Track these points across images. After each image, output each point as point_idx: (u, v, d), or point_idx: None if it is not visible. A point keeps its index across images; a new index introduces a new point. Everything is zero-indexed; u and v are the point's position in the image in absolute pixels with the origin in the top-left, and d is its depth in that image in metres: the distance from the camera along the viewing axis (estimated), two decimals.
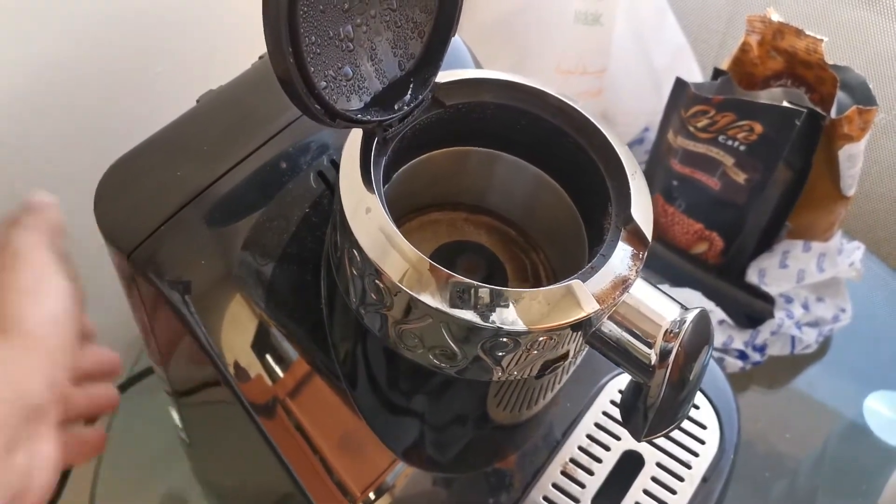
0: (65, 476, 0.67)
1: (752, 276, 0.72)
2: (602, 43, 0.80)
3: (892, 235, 0.88)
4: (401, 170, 0.44)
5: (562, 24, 0.80)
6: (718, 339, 0.70)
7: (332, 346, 0.45)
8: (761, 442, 0.69)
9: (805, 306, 0.72)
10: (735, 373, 0.71)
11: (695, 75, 0.86)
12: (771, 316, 0.70)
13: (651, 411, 0.38)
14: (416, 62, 0.40)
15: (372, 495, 0.46)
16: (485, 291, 0.35)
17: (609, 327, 0.37)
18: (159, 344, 0.48)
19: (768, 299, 0.71)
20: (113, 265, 0.44)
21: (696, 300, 0.71)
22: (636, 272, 0.37)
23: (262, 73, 0.46)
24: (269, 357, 0.44)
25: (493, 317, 0.34)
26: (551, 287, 0.36)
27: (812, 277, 0.71)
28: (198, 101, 0.45)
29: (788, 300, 0.71)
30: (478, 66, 0.55)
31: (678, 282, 0.74)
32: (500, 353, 0.36)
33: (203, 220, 0.41)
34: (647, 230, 0.39)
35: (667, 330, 0.37)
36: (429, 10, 0.39)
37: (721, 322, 0.71)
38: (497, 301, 0.35)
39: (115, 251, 0.41)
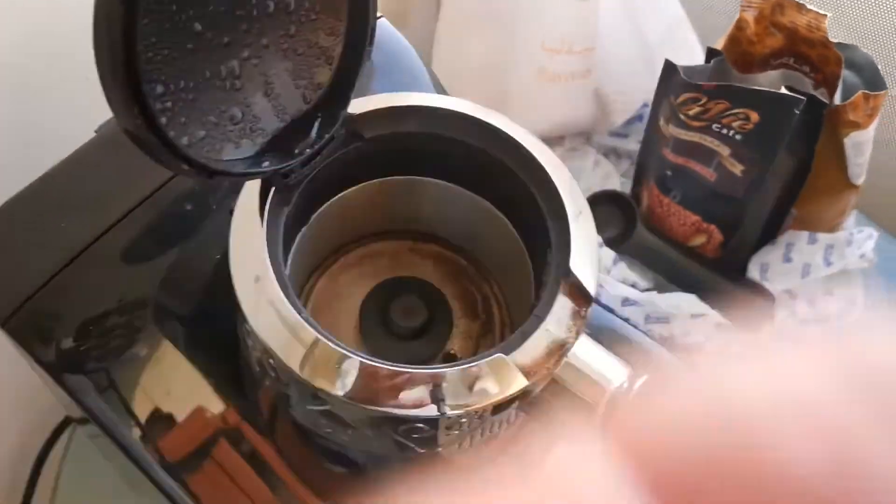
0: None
1: (753, 272, 0.67)
2: (589, 19, 0.73)
3: None
4: (327, 204, 0.39)
5: (546, 0, 0.73)
6: (716, 342, 0.65)
7: (255, 403, 0.41)
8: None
9: (811, 303, 0.66)
10: None
11: (694, 50, 0.79)
12: (771, 318, 0.65)
13: None
14: (324, 92, 0.35)
15: None
16: (391, 373, 0.30)
17: (548, 397, 0.33)
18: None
19: (770, 297, 0.65)
20: None
21: (690, 305, 0.65)
22: (576, 333, 0.33)
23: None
24: (176, 418, 0.40)
25: (404, 401, 0.30)
26: (470, 365, 0.31)
27: (819, 272, 0.65)
28: (96, 132, 0.41)
29: (793, 296, 0.66)
30: (430, 71, 0.49)
31: (673, 276, 0.69)
32: (418, 436, 0.32)
33: (92, 279, 0.37)
34: (590, 284, 0.34)
35: (612, 395, 0.32)
36: (336, 33, 0.34)
37: (718, 326, 0.66)
38: (407, 383, 0.30)
39: None
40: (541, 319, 0.32)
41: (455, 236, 0.43)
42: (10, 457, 0.67)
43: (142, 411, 0.39)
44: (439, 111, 0.37)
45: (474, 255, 0.43)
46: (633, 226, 0.72)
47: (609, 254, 0.68)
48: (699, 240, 0.69)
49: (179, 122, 0.29)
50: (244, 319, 0.31)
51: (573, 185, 0.36)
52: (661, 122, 0.66)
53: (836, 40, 0.59)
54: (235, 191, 0.40)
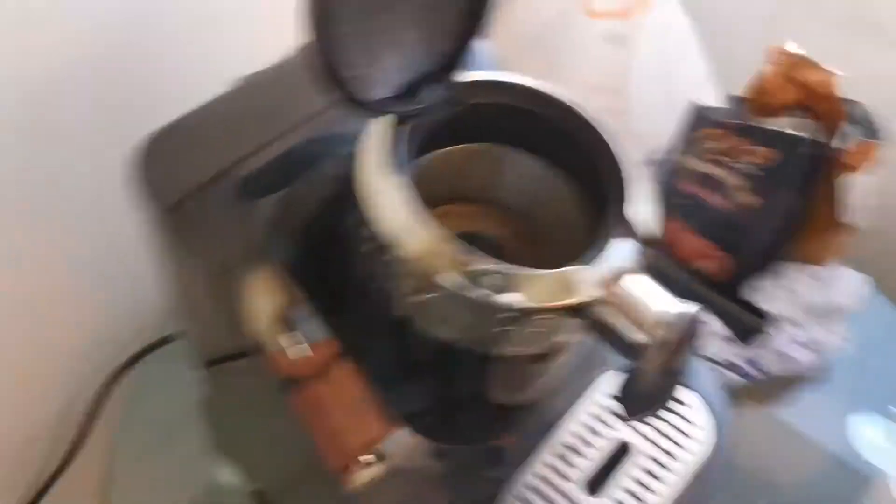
0: (77, 443, 0.70)
1: (752, 295, 0.75)
2: (627, 63, 0.83)
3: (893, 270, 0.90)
4: (418, 161, 0.47)
5: (589, 41, 0.83)
6: (716, 352, 0.73)
7: (351, 317, 0.48)
8: (752, 456, 0.71)
9: (802, 328, 0.74)
10: (728, 384, 0.74)
11: (712, 102, 0.89)
12: (764, 332, 0.73)
13: (640, 393, 0.42)
14: (444, 61, 0.44)
15: (369, 457, 0.49)
16: (495, 269, 0.38)
17: (606, 313, 0.41)
18: (188, 304, 0.52)
19: (766, 318, 0.74)
20: (149, 228, 0.48)
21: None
22: (634, 264, 0.41)
23: (299, 61, 0.50)
24: (289, 323, 0.47)
25: (502, 294, 0.38)
26: (557, 270, 0.39)
27: (807, 300, 0.73)
28: (237, 82, 0.49)
29: (785, 320, 0.74)
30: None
31: (682, 295, 0.77)
32: (505, 329, 0.40)
33: (235, 191, 0.45)
34: (647, 227, 0.42)
35: (659, 320, 0.40)
36: (462, 15, 0.43)
37: (720, 336, 0.74)
38: (505, 280, 0.38)
39: (154, 205, 0.45)
40: (607, 249, 0.41)
41: (520, 205, 0.51)
42: (70, 399, 0.73)
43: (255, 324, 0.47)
44: (527, 88, 0.46)
45: (537, 224, 0.51)
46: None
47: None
48: (707, 264, 0.77)
49: (347, 59, 0.38)
50: (374, 218, 0.39)
51: (629, 156, 0.45)
52: (682, 155, 0.75)
53: (843, 95, 0.69)
54: (349, 143, 0.49)
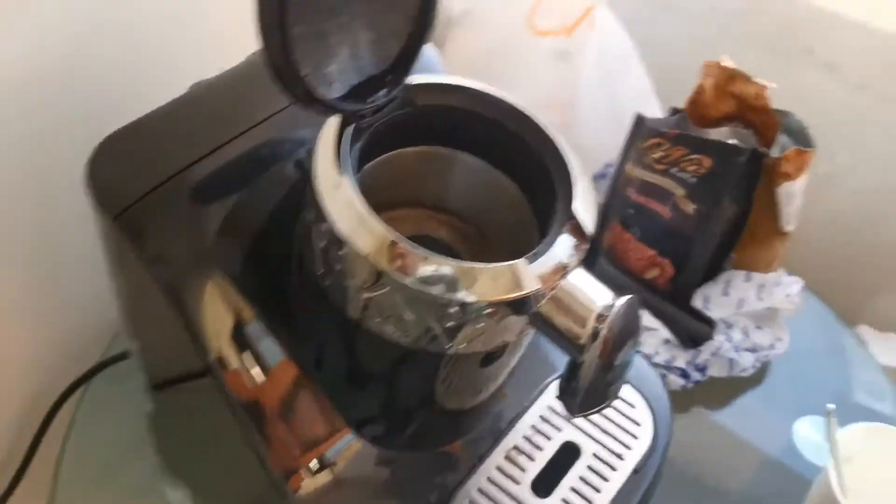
0: (22, 467, 0.68)
1: (697, 302, 0.77)
2: (572, 79, 0.86)
3: (828, 275, 0.93)
4: (370, 164, 0.48)
5: (536, 60, 0.85)
6: (663, 357, 0.75)
7: (297, 320, 0.49)
8: (694, 457, 0.73)
9: (744, 332, 0.77)
10: (676, 391, 0.75)
11: (655, 115, 0.92)
12: (711, 338, 0.75)
13: (581, 389, 0.43)
14: (391, 63, 0.45)
15: (316, 464, 0.49)
16: (440, 263, 0.39)
17: (548, 308, 0.42)
18: (135, 316, 0.52)
19: (710, 323, 0.76)
20: (99, 236, 0.48)
21: (644, 319, 0.75)
22: (576, 260, 0.42)
23: (251, 68, 0.51)
24: (237, 332, 0.47)
25: (446, 288, 0.39)
26: (499, 265, 0.40)
27: (751, 306, 0.75)
28: (190, 89, 0.50)
29: (728, 325, 0.76)
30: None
31: None
32: (450, 324, 0.40)
33: (186, 196, 0.46)
34: (588, 225, 0.43)
35: (599, 314, 0.41)
36: (408, 19, 0.44)
37: (666, 341, 0.75)
38: (449, 274, 0.39)
39: (102, 214, 0.45)
40: (550, 245, 0.42)
41: (468, 209, 0.52)
42: (16, 419, 0.71)
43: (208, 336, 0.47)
44: (476, 91, 0.47)
45: (482, 227, 0.53)
46: (592, 258, 0.82)
47: None
48: (653, 273, 0.79)
49: (297, 60, 0.39)
50: (324, 217, 0.39)
51: (576, 157, 0.46)
52: (629, 166, 0.78)
53: (776, 107, 0.72)
54: (299, 146, 0.50)
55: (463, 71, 0.89)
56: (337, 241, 0.40)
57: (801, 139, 0.72)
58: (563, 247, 0.42)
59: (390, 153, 0.49)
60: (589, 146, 0.90)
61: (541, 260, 0.41)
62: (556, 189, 0.45)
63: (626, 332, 0.43)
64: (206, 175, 0.46)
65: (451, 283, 0.39)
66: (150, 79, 0.64)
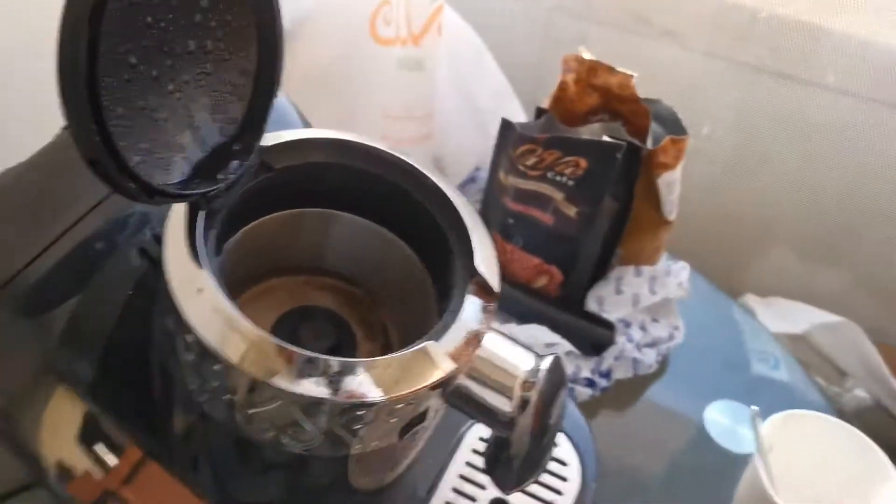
0: None
1: (591, 305, 0.74)
2: (426, 88, 0.80)
3: (713, 253, 0.93)
4: (231, 239, 0.41)
5: (384, 70, 0.79)
6: (567, 370, 0.71)
7: (171, 435, 0.41)
8: (615, 463, 0.70)
9: (642, 328, 0.74)
10: (586, 401, 0.72)
11: (518, 114, 0.88)
12: (612, 342, 0.72)
13: (516, 462, 0.38)
14: (238, 126, 0.38)
15: None
16: (334, 364, 0.33)
17: (466, 384, 0.37)
18: None
19: (609, 326, 0.73)
20: None
21: (544, 335, 0.72)
22: (487, 325, 0.37)
23: (66, 146, 0.43)
24: (89, 451, 0.40)
25: (346, 390, 0.33)
26: (404, 352, 0.34)
27: (646, 300, 0.73)
28: None
29: (627, 324, 0.73)
30: (306, 124, 0.53)
31: (524, 318, 0.75)
32: (357, 426, 0.34)
33: (7, 319, 0.38)
34: (494, 281, 0.38)
35: (523, 380, 0.37)
36: (247, 73, 0.38)
37: (568, 353, 0.72)
38: (348, 373, 0.33)
39: None
40: (456, 314, 0.36)
41: (351, 268, 0.46)
42: None
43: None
44: (339, 143, 0.41)
45: (369, 286, 0.47)
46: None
47: None
48: (542, 281, 0.75)
49: (121, 147, 0.31)
50: (188, 330, 0.33)
51: (465, 201, 0.41)
52: (501, 175, 0.73)
53: (643, 96, 0.69)
54: (139, 229, 0.42)
55: (306, 91, 0.83)
56: (208, 355, 0.33)
57: (673, 126, 0.69)
58: (471, 311, 0.37)
59: (255, 222, 0.42)
60: (455, 153, 0.86)
61: (450, 332, 0.36)
62: (449, 243, 0.40)
63: (556, 389, 0.38)
64: (30, 287, 0.38)
65: (351, 384, 0.33)
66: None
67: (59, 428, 0.40)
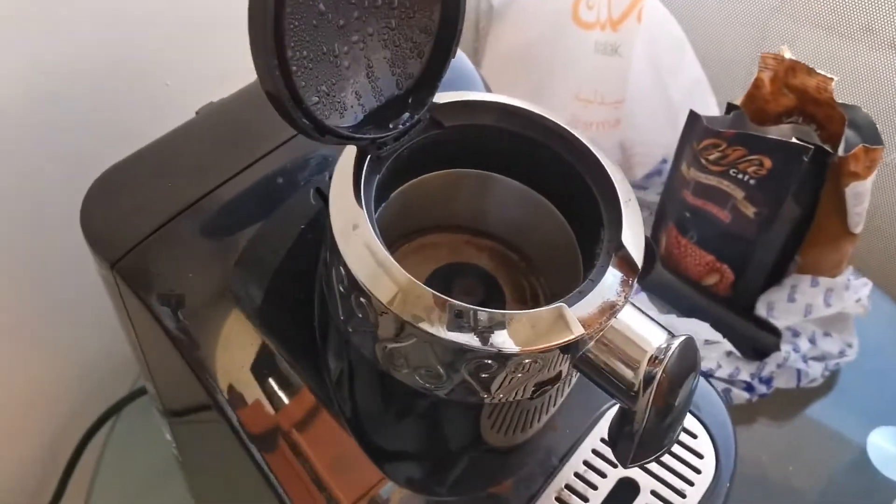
0: (54, 501, 0.67)
1: (760, 310, 0.72)
2: (620, 74, 0.81)
3: None
4: (398, 190, 0.44)
5: (581, 53, 0.80)
6: (725, 370, 0.70)
7: (325, 364, 0.45)
8: (764, 475, 0.68)
9: (812, 340, 0.71)
10: (741, 404, 0.71)
11: (712, 109, 0.87)
12: (777, 349, 0.70)
13: (636, 437, 0.38)
14: (414, 82, 0.41)
15: None
16: (469, 312, 0.35)
17: (595, 352, 0.38)
18: (148, 360, 0.49)
19: (776, 332, 0.71)
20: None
21: (705, 331, 0.70)
22: (625, 298, 0.38)
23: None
24: (259, 376, 0.44)
25: (477, 338, 0.35)
26: (537, 310, 0.36)
27: (819, 312, 0.70)
28: (196, 114, 0.46)
29: (795, 334, 0.71)
30: (488, 90, 0.55)
31: (689, 312, 0.74)
32: (485, 375, 0.36)
33: (194, 234, 0.42)
34: (638, 257, 0.39)
35: (652, 356, 0.37)
36: (429, 32, 0.40)
37: (729, 353, 0.70)
38: (481, 323, 0.35)
39: (100, 261, 0.41)
40: (595, 283, 0.37)
41: (509, 232, 0.48)
42: (48, 452, 0.70)
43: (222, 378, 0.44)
44: (509, 108, 0.43)
45: (525, 251, 0.48)
46: (651, 264, 0.77)
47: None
48: (712, 279, 0.74)
49: (300, 86, 0.35)
50: (341, 262, 0.36)
51: (622, 177, 0.41)
52: (684, 167, 0.72)
53: (840, 101, 0.66)
54: (320, 171, 0.46)
55: (505, 70, 0.85)
56: (356, 288, 0.36)
57: (869, 135, 0.66)
58: (610, 283, 0.38)
59: (420, 178, 0.45)
60: (643, 143, 0.86)
61: (586, 299, 0.37)
62: (601, 214, 0.41)
63: (685, 371, 0.38)
64: (215, 210, 0.43)
65: (483, 334, 0.35)
66: (152, 104, 0.60)
67: (234, 355, 0.43)
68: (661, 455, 0.41)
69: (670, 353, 0.37)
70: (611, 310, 0.37)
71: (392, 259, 0.35)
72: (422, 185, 0.45)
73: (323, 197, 0.45)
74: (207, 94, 0.48)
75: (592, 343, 0.37)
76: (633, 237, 0.39)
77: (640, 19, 0.78)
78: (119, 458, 0.67)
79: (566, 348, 0.36)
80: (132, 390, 0.69)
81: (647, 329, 0.38)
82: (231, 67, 0.50)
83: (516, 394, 0.38)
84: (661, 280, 0.76)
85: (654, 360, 0.37)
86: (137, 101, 0.60)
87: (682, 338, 0.37)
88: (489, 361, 0.35)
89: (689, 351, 0.38)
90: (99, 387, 0.70)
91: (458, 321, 0.35)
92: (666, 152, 0.86)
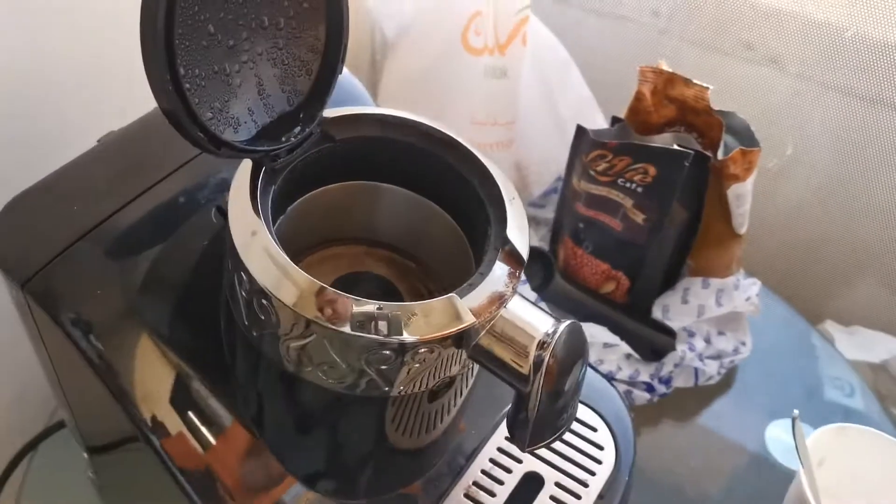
0: None
1: (656, 313, 0.75)
2: (510, 95, 0.84)
3: (788, 273, 0.92)
4: (296, 202, 0.46)
5: (472, 78, 0.84)
6: (626, 372, 0.73)
7: (234, 375, 0.46)
8: (668, 472, 0.71)
9: (707, 340, 0.75)
10: (643, 405, 0.74)
11: (600, 125, 0.91)
12: (672, 348, 0.73)
13: (531, 421, 0.41)
14: (304, 98, 0.43)
15: None
16: (362, 304, 0.37)
17: (487, 340, 0.40)
18: (62, 381, 0.49)
19: (671, 333, 0.74)
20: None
21: (603, 335, 0.74)
22: (513, 289, 0.40)
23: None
24: (167, 384, 0.45)
25: (371, 328, 0.36)
26: (430, 301, 0.38)
27: (711, 312, 0.74)
28: (98, 142, 0.47)
29: (691, 334, 0.74)
30: (375, 103, 0.58)
31: (588, 320, 0.77)
32: (385, 367, 0.38)
33: (100, 254, 0.43)
34: (524, 251, 0.41)
35: (540, 341, 0.39)
36: (316, 50, 0.42)
37: (628, 356, 0.74)
38: (375, 313, 0.37)
39: (10, 283, 0.42)
40: (484, 276, 0.40)
41: (403, 240, 0.50)
42: None
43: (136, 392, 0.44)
44: (396, 119, 0.45)
45: (420, 257, 0.50)
46: (550, 276, 0.81)
47: (531, 294, 0.76)
48: (609, 286, 0.77)
49: (194, 102, 0.36)
50: (242, 268, 0.37)
51: (505, 178, 0.44)
52: (574, 180, 0.76)
53: (717, 108, 0.71)
54: (219, 191, 0.47)
55: (402, 95, 0.88)
56: (258, 291, 0.37)
57: (746, 138, 0.71)
58: (498, 275, 0.40)
59: (315, 191, 0.47)
60: (537, 161, 0.89)
61: (476, 291, 0.39)
62: (488, 214, 0.43)
63: (573, 356, 0.41)
64: (122, 230, 0.44)
65: (377, 324, 0.37)
66: (54, 135, 0.61)
67: (151, 384, 0.45)
68: (557, 438, 0.43)
69: (557, 336, 0.39)
70: (500, 300, 0.39)
71: (289, 260, 0.37)
72: (318, 198, 0.47)
73: (224, 214, 0.46)
74: (108, 124, 0.50)
75: (484, 333, 0.39)
76: (518, 232, 0.42)
77: (524, 42, 0.82)
78: (39, 493, 0.66)
79: (459, 337, 0.38)
80: (48, 425, 0.68)
81: (534, 316, 0.40)
82: (131, 98, 0.52)
83: (417, 385, 0.40)
84: (560, 291, 0.80)
85: (542, 344, 0.39)
86: (41, 133, 0.60)
87: (568, 322, 0.40)
88: (387, 353, 0.37)
89: (575, 335, 0.40)
90: (14, 424, 0.69)
91: (348, 313, 0.36)
92: (560, 170, 0.90)
